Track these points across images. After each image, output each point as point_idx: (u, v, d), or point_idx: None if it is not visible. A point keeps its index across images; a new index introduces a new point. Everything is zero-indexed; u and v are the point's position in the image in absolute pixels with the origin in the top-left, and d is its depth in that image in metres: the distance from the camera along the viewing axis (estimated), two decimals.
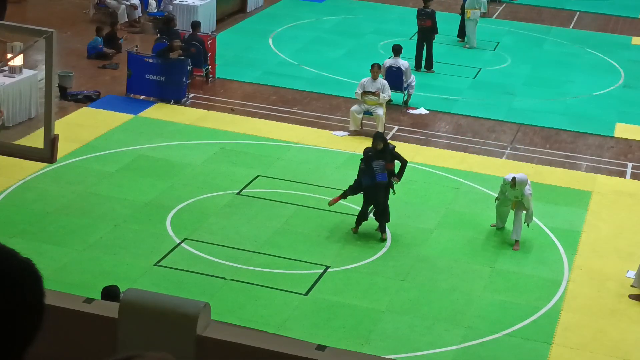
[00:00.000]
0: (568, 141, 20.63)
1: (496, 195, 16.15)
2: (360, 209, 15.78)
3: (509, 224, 16.03)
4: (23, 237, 14.75)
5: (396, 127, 20.54)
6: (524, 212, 15.58)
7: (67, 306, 5.26)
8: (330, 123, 20.51)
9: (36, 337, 2.56)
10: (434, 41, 24.22)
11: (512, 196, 15.59)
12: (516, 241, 15.64)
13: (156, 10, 26.51)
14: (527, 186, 15.55)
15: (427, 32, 24.01)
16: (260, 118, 20.45)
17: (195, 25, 22.44)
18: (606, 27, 30.40)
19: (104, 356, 2.54)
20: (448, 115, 21.67)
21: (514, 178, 15.59)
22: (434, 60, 24.30)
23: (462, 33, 27.00)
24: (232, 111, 20.78)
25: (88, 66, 22.95)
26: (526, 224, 15.66)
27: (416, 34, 24.67)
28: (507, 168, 18.14)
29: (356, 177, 15.73)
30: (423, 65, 24.17)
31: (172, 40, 21.31)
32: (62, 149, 12.41)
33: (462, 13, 26.77)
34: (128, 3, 26.42)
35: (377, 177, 15.42)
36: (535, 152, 19.79)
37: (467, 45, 26.49)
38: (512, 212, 15.85)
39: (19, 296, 2.53)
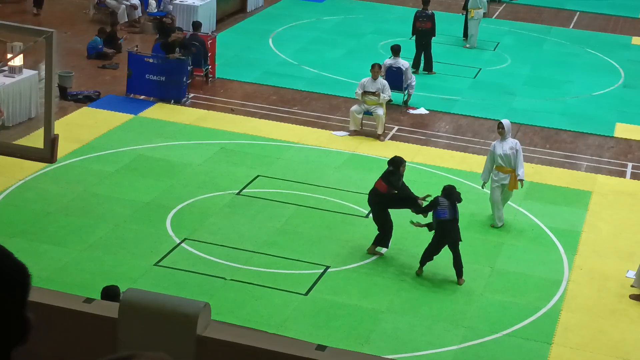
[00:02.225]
0: (568, 141, 20.63)
1: (482, 184, 16.38)
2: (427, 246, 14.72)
3: (507, 222, 16.04)
4: (23, 237, 14.75)
5: (396, 127, 20.55)
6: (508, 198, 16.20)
7: (67, 306, 5.26)
8: (330, 123, 20.51)
9: (28, 338, 2.58)
10: (432, 43, 24.21)
11: (504, 153, 16.00)
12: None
13: (156, 10, 26.51)
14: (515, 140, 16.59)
15: (426, 34, 24.02)
16: (260, 118, 20.46)
17: (197, 25, 22.46)
18: (606, 27, 30.40)
19: (104, 356, 2.55)
20: (448, 115, 21.68)
21: (500, 122, 16.45)
22: (432, 61, 24.30)
23: (467, 33, 26.99)
24: (232, 111, 20.79)
25: (88, 66, 22.96)
26: (520, 180, 16.09)
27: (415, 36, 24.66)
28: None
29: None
30: (422, 67, 24.14)
31: (175, 33, 21.38)
32: (62, 149, 12.43)
33: (466, 13, 26.76)
34: (128, 3, 26.42)
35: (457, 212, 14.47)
36: (535, 152, 19.79)
37: (467, 45, 26.46)
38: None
39: (18, 296, 2.54)
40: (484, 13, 27.17)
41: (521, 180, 16.18)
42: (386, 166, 18.67)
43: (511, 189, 16.23)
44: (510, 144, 16.20)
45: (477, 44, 26.62)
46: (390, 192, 14.97)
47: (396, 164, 15.13)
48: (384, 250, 15.14)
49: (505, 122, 16.52)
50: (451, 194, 14.55)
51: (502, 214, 16.28)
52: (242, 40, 25.89)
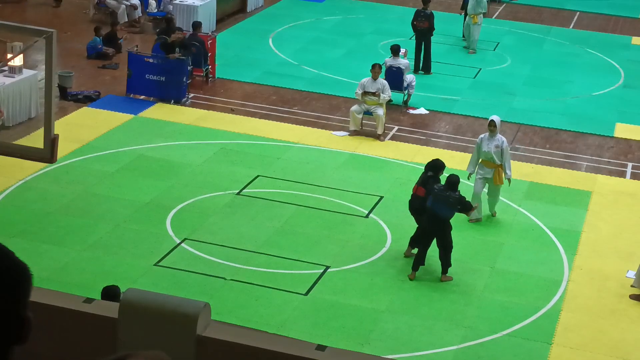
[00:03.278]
0: (568, 141, 20.63)
1: (467, 175, 16.53)
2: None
3: (507, 222, 16.02)
4: (23, 237, 14.75)
5: (396, 127, 20.54)
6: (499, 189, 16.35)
7: (67, 306, 5.25)
8: (330, 123, 20.51)
9: (28, 337, 2.57)
10: (431, 38, 24.18)
11: (488, 150, 16.13)
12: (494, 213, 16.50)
13: (156, 10, 26.52)
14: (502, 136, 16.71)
15: (424, 33, 24.02)
16: (260, 118, 20.46)
17: (196, 25, 22.46)
18: (606, 27, 30.40)
19: (104, 356, 2.54)
20: (448, 115, 21.67)
21: (492, 120, 16.53)
22: (431, 61, 24.28)
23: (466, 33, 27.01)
24: (232, 111, 20.79)
25: (88, 66, 22.96)
26: (507, 179, 16.26)
27: (414, 36, 24.68)
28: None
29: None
30: (420, 66, 24.10)
31: (174, 33, 21.37)
32: (62, 149, 12.42)
33: (466, 14, 26.74)
34: (128, 3, 26.42)
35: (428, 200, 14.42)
36: (535, 152, 19.79)
37: (472, 51, 26.10)
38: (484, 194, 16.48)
39: (17, 296, 2.54)
40: (484, 13, 27.11)
41: (509, 179, 16.29)
42: (385, 166, 18.70)
43: (496, 183, 16.34)
44: (496, 142, 16.27)
45: (477, 44, 26.57)
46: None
47: (437, 168, 14.89)
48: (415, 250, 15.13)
49: (497, 118, 16.66)
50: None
51: (482, 208, 16.41)
52: (242, 40, 25.89)
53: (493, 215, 16.60)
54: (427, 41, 24.00)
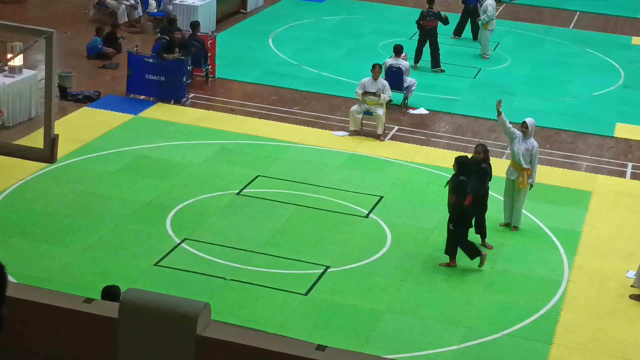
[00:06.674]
0: (568, 141, 20.64)
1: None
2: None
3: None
4: (23, 237, 14.75)
5: (396, 127, 20.55)
6: (524, 194, 16.06)
7: (67, 306, 5.25)
8: (330, 123, 20.52)
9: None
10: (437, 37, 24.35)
11: (518, 151, 15.92)
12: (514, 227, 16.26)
13: (156, 10, 26.53)
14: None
15: (432, 32, 24.11)
16: (260, 118, 20.46)
17: (195, 25, 22.45)
18: (606, 27, 30.41)
19: (104, 356, 2.55)
20: (448, 115, 21.68)
21: (524, 122, 16.20)
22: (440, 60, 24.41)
23: (458, 31, 27.15)
24: (232, 111, 20.79)
25: (88, 66, 22.96)
26: (530, 183, 16.01)
27: (417, 34, 24.69)
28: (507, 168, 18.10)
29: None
30: (425, 62, 24.14)
31: (173, 33, 21.34)
32: (62, 149, 12.42)
33: (465, 15, 26.89)
34: (128, 3, 26.43)
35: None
36: None
37: (487, 56, 25.95)
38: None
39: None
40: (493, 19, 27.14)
41: (531, 184, 16.06)
42: (385, 166, 18.74)
43: (518, 187, 16.04)
44: (526, 145, 15.97)
45: (477, 44, 26.57)
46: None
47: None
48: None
49: (530, 121, 16.28)
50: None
51: (511, 214, 16.23)
52: (242, 40, 25.89)
53: (512, 229, 16.30)
54: (435, 39, 24.09)
